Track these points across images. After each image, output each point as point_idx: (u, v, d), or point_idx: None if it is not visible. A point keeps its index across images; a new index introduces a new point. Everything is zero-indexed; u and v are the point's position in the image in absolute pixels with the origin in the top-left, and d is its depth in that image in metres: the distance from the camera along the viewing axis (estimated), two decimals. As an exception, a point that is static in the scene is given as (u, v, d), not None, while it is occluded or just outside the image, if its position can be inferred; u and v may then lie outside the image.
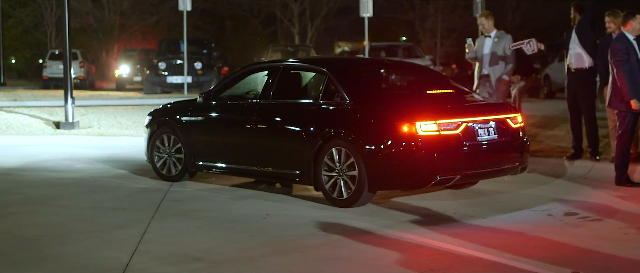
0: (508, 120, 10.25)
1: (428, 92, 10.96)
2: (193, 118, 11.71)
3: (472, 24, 40.03)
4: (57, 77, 41.23)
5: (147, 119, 12.47)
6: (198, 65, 33.21)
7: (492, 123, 10.01)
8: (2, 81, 48.33)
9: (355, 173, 9.71)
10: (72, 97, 19.10)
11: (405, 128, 9.41)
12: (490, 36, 14.13)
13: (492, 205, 10.11)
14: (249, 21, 62.75)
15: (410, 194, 10.80)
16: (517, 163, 10.35)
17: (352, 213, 9.59)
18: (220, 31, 64.94)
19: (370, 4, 31.19)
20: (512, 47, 13.69)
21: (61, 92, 23.60)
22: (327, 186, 10.05)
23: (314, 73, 11.26)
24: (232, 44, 61.95)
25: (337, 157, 9.91)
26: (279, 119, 10.77)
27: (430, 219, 9.33)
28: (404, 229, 8.74)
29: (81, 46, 52.71)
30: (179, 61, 33.05)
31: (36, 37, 61.71)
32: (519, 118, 10.45)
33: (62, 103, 20.31)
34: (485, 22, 14.18)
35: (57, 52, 44.57)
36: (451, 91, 11.12)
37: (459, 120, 9.67)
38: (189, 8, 29.67)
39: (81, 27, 58.21)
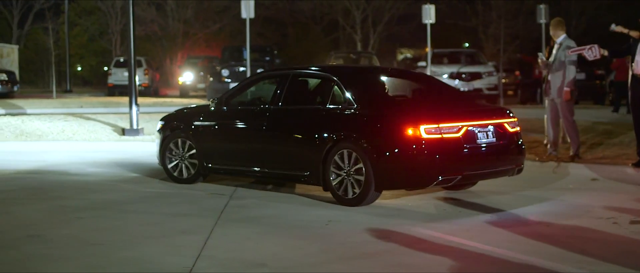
0: (505, 125, 10.76)
1: (430, 97, 11.57)
2: (206, 123, 12.27)
3: (535, 30, 39.67)
4: (122, 84, 41.77)
5: (159, 124, 12.93)
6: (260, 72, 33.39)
7: (490, 127, 10.54)
8: (68, 88, 49.07)
9: (362, 173, 10.24)
10: (136, 104, 19.37)
11: (409, 131, 9.94)
12: (557, 43, 14.07)
13: (559, 214, 10.02)
14: (311, 28, 62.94)
15: (470, 198, 10.76)
16: (514, 165, 10.85)
17: (412, 219, 9.57)
18: (283, 38, 65.23)
19: (432, 11, 31.12)
20: (572, 52, 13.58)
21: (126, 99, 23.95)
22: (335, 186, 10.61)
23: (322, 80, 11.70)
24: (295, 51, 62.17)
25: (345, 159, 10.45)
26: (289, 123, 11.38)
27: (491, 225, 9.26)
28: (467, 236, 8.69)
29: (146, 54, 53.35)
30: (242, 68, 33.28)
31: (101, 45, 62.58)
32: (516, 123, 10.95)
33: (126, 110, 20.60)
34: (553, 30, 14.12)
35: (122, 60, 45.18)
36: (452, 96, 11.85)
37: (460, 124, 10.20)
38: (252, 15, 29.81)
39: (146, 35, 58.93)
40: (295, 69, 12.14)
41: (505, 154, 10.75)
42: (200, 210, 10.38)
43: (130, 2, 19.60)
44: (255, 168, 11.65)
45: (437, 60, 33.91)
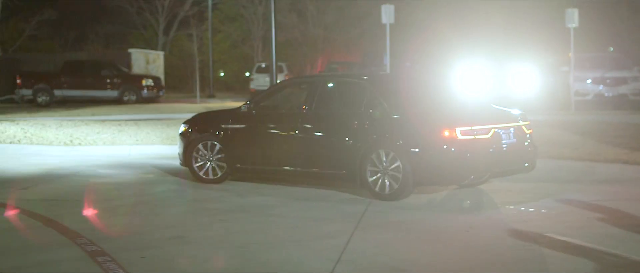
0: (523, 127, 11.70)
1: (455, 101, 12.34)
2: (236, 126, 12.95)
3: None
4: (263, 89, 42.35)
5: (182, 128, 13.49)
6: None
7: (511, 129, 11.46)
8: (211, 93, 50.02)
9: (399, 171, 11.08)
10: (278, 109, 19.59)
11: (446, 133, 10.84)
12: None
13: None
14: (450, 32, 62.48)
15: (609, 210, 10.50)
16: (529, 164, 11.71)
17: (551, 226, 9.39)
18: (422, 43, 64.91)
19: (576, 15, 30.50)
20: None
21: (268, 104, 24.23)
22: (372, 183, 11.36)
23: (357, 86, 12.31)
24: (435, 55, 61.74)
25: (383, 158, 11.26)
26: (325, 126, 12.06)
27: (633, 234, 9.01)
28: (611, 245, 8.48)
29: (287, 59, 53.94)
30: (382, 74, 33.29)
31: (243, 50, 63.58)
32: (529, 125, 11.84)
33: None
34: None
35: (263, 65, 45.82)
36: (474, 100, 12.58)
37: (489, 126, 11.11)
38: (392, 21, 29.81)
39: (286, 41, 59.57)
40: (329, 76, 12.98)
41: (522, 154, 11.62)
42: (340, 214, 10.43)
43: (272, 9, 19.87)
44: (289, 168, 12.34)
45: (580, 64, 33.15)
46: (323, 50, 59.80)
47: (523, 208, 10.60)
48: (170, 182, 13.23)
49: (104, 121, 25.51)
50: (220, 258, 8.20)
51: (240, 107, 13.07)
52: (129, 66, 43.29)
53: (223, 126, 13.02)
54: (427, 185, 11.43)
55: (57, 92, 38.30)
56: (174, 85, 61.81)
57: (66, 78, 38.55)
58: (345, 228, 9.45)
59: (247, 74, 54.75)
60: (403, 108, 11.46)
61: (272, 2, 20.51)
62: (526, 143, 11.70)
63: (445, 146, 10.83)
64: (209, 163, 13.05)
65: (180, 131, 13.56)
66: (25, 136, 20.39)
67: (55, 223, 9.97)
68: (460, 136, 10.81)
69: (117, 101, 38.06)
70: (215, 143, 13.01)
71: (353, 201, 11.27)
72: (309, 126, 12.13)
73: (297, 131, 12.21)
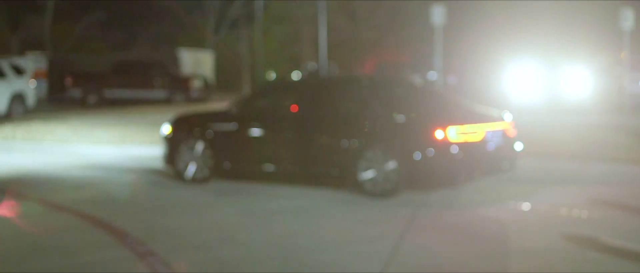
0: (508, 128, 12.05)
1: (445, 104, 12.57)
2: (225, 126, 12.99)
3: None
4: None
5: (166, 128, 13.50)
6: (452, 80, 33.24)
7: (498, 130, 11.81)
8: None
9: (392, 171, 11.36)
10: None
11: (439, 134, 11.12)
12: None
13: None
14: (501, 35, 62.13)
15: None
16: (510, 162, 12.14)
17: (606, 230, 9.20)
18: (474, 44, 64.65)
19: (631, 15, 30.08)
20: None
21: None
22: (364, 182, 11.57)
23: (353, 88, 12.78)
24: (485, 56, 61.44)
25: (377, 158, 11.49)
26: (319, 126, 12.23)
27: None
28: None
29: (336, 60, 53.88)
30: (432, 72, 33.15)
31: (293, 51, 63.71)
32: (513, 126, 12.21)
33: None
34: None
35: (313, 66, 45.78)
36: (463, 102, 12.83)
37: (479, 127, 11.48)
38: (443, 21, 29.64)
39: (336, 42, 59.53)
40: (327, 78, 13.27)
41: (505, 154, 12.00)
42: (390, 216, 10.34)
43: (322, 10, 19.85)
44: (281, 168, 12.47)
45: (634, 66, 32.65)
46: (373, 51, 59.70)
47: (575, 212, 10.42)
48: (215, 182, 13.17)
49: (153, 121, 25.63)
50: (268, 259, 8.15)
51: (229, 107, 13.13)
52: (177, 66, 43.47)
53: (211, 126, 13.04)
54: (419, 183, 11.52)
55: (107, 93, 38.58)
56: (223, 85, 62.08)
57: (115, 78, 38.79)
58: (394, 230, 9.35)
59: (298, 74, 54.77)
60: (397, 108, 11.80)
61: (323, 2, 20.53)
62: (510, 143, 12.07)
63: (437, 146, 11.14)
64: (194, 164, 13.03)
65: (164, 132, 13.56)
66: (75, 136, 20.53)
67: (105, 223, 9.99)
68: (452, 137, 11.12)
69: (166, 102, 38.24)
70: (203, 143, 13.00)
71: (401, 204, 11.13)
72: (301, 125, 12.29)
73: (290, 131, 12.36)
